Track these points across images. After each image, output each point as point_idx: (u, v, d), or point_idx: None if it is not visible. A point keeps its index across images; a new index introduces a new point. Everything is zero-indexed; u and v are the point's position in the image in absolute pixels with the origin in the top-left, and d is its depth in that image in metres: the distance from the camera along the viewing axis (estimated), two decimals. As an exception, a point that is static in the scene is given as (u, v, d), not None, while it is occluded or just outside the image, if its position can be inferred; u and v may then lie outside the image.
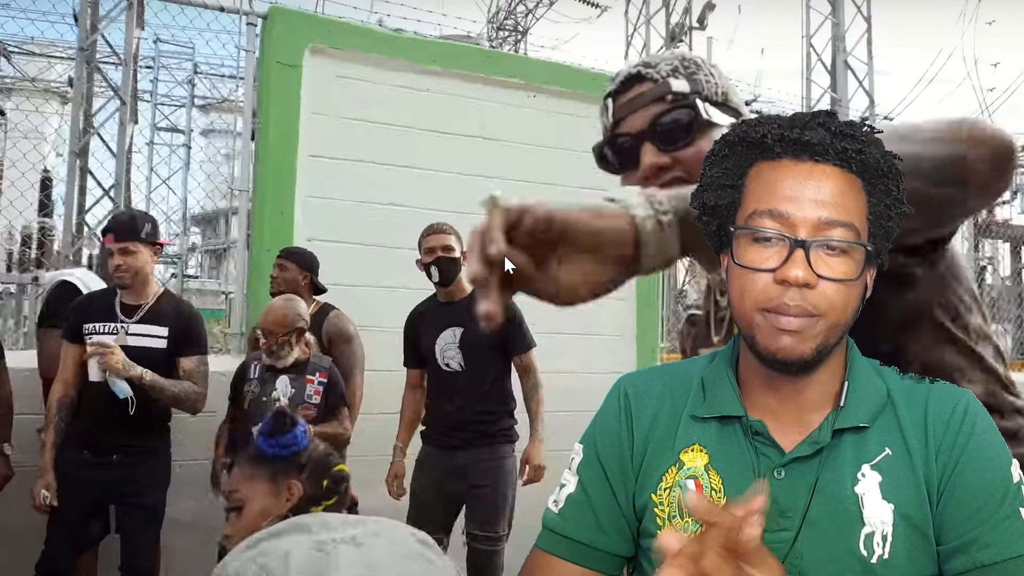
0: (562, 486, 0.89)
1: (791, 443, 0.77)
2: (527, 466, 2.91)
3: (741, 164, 0.75)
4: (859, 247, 0.71)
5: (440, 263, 2.90)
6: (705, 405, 0.82)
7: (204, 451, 3.01)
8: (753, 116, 0.81)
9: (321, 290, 3.23)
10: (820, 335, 0.71)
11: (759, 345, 0.73)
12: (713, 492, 0.78)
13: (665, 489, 0.81)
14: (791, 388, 0.78)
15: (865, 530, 0.73)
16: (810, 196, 0.71)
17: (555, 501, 0.88)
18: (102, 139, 5.34)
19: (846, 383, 0.79)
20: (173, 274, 10.66)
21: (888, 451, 0.76)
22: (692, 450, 0.81)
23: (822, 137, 0.72)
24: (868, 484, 0.74)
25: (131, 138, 5.71)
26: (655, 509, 0.81)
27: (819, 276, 0.70)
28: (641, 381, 0.90)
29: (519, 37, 14.29)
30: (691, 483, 0.79)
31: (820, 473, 0.75)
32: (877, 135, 0.74)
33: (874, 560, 0.72)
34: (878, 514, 0.73)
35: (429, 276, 2.95)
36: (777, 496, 0.75)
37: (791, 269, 0.69)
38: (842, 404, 0.77)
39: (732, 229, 0.73)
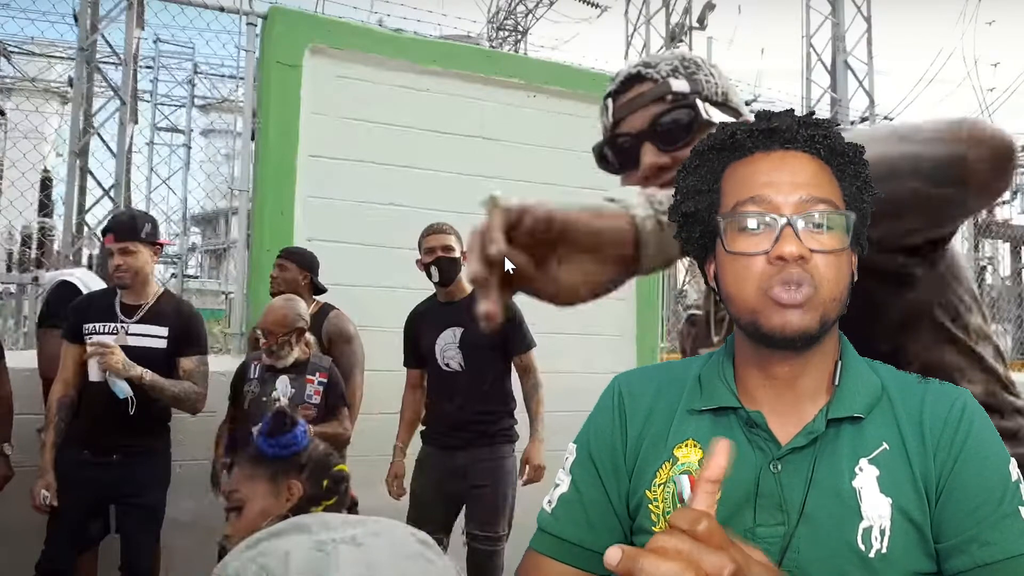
0: (556, 486, 0.89)
1: (788, 435, 0.77)
2: (527, 466, 2.91)
3: (715, 169, 0.78)
4: (841, 218, 0.73)
5: (440, 263, 2.90)
6: (702, 399, 0.83)
7: (204, 451, 3.01)
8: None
9: (321, 290, 3.23)
10: (821, 307, 0.72)
11: (764, 327, 0.73)
12: None
13: (659, 485, 0.81)
14: (788, 375, 0.78)
15: (863, 524, 0.73)
16: (788, 180, 0.73)
17: (549, 501, 0.89)
18: (102, 139, 5.35)
19: (839, 367, 0.80)
20: (173, 274, 10.66)
21: (885, 445, 0.76)
22: (686, 445, 0.81)
23: (789, 124, 0.75)
24: (866, 478, 0.74)
25: (131, 138, 5.71)
26: (649, 506, 0.81)
27: (811, 251, 0.71)
28: (636, 380, 0.90)
29: (519, 37, 14.29)
30: (685, 478, 0.79)
31: (816, 466, 0.75)
32: (848, 128, 0.77)
33: (872, 554, 0.72)
34: (876, 508, 0.73)
35: (429, 276, 2.95)
36: (774, 490, 0.76)
37: (784, 245, 0.71)
38: (835, 387, 0.78)
39: (719, 219, 0.75)
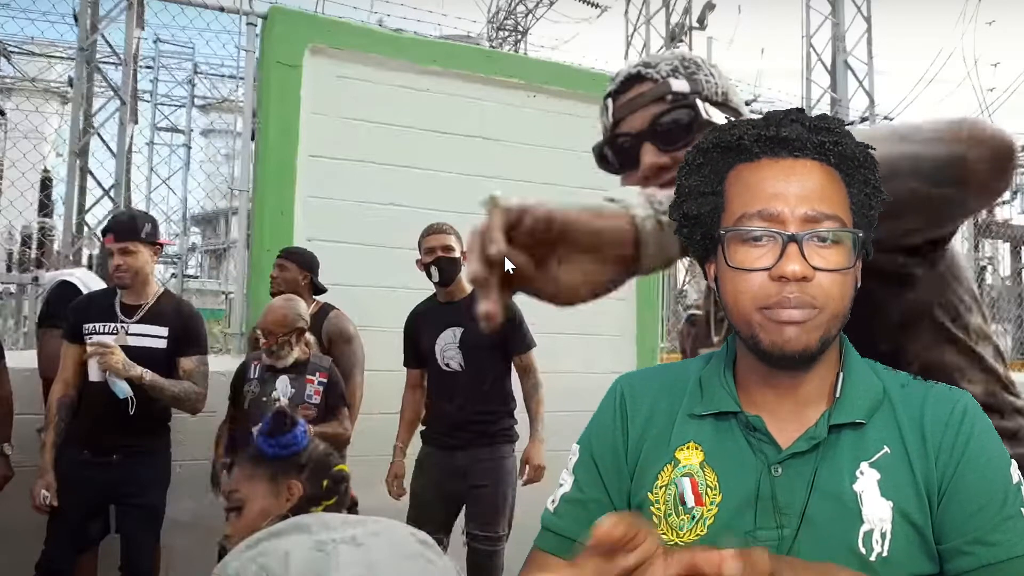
0: (560, 485, 0.90)
1: (789, 439, 0.77)
2: (527, 466, 2.91)
3: (719, 170, 0.76)
4: (848, 235, 0.72)
5: (440, 263, 2.90)
6: (702, 403, 0.82)
7: (204, 451, 3.01)
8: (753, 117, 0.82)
9: (321, 290, 3.23)
10: (822, 326, 0.72)
11: (763, 342, 0.73)
12: (708, 489, 0.78)
13: (661, 487, 0.81)
14: (789, 383, 0.78)
15: (864, 528, 0.73)
16: (795, 192, 0.72)
17: (552, 500, 0.89)
18: (102, 139, 5.35)
19: (841, 377, 0.79)
20: (173, 274, 10.68)
21: (887, 449, 0.76)
22: (687, 448, 0.81)
23: (799, 132, 0.73)
24: (867, 482, 0.74)
25: (131, 138, 5.71)
26: (651, 507, 0.81)
27: (814, 268, 0.70)
28: (637, 381, 0.90)
29: (519, 37, 14.28)
30: (687, 480, 0.80)
31: (818, 470, 0.75)
32: (848, 127, 0.75)
33: (873, 558, 0.72)
34: (877, 512, 0.73)
35: (429, 276, 2.95)
36: (775, 493, 0.76)
37: (788, 264, 0.69)
38: (837, 397, 0.78)
39: (723, 233, 0.73)
